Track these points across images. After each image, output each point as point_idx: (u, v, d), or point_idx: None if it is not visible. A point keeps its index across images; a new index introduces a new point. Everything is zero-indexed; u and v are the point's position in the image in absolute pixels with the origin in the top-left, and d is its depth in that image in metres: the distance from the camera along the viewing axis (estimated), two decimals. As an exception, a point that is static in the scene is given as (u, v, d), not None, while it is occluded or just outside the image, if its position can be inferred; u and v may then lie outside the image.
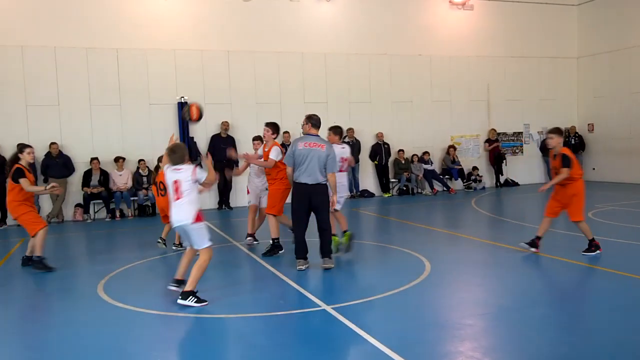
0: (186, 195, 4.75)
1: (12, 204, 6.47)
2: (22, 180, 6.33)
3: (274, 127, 6.95)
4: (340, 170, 6.57)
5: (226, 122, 12.23)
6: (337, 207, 6.48)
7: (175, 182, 4.79)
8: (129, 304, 4.98)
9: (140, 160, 11.58)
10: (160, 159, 7.29)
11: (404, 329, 4.13)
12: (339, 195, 6.54)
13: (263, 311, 4.69)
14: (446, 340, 3.94)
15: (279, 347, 3.89)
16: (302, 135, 6.17)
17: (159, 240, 7.45)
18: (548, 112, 15.77)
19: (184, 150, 4.94)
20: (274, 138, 6.97)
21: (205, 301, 4.78)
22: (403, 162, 14.01)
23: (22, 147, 6.58)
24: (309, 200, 5.88)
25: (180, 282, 5.06)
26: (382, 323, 4.28)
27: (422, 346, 3.79)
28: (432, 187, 13.98)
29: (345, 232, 6.78)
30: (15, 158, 6.52)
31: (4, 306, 5.26)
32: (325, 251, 6.03)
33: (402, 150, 14.04)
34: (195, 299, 4.75)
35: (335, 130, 6.76)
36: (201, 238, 4.82)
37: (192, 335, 4.25)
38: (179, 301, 4.74)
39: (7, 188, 6.56)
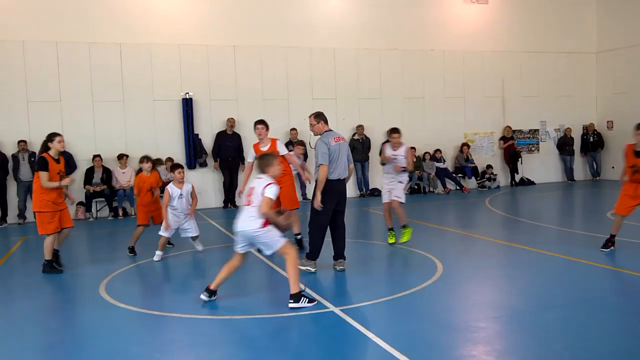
0: (255, 204, 4.67)
1: (35, 194, 6.33)
2: (41, 174, 6.19)
3: (266, 124, 6.97)
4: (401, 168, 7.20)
5: (232, 118, 12.25)
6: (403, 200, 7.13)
7: (251, 188, 4.76)
8: (132, 305, 5.00)
9: (143, 158, 11.63)
10: (143, 160, 7.24)
11: (414, 332, 4.10)
12: (401, 188, 7.16)
13: (270, 312, 4.67)
14: (458, 343, 3.90)
15: (286, 349, 3.88)
16: (313, 133, 6.11)
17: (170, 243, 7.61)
18: (565, 108, 15.62)
19: (268, 161, 4.84)
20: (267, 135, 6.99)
21: (315, 301, 4.74)
22: (415, 160, 13.94)
23: (51, 135, 6.41)
24: (340, 197, 5.90)
25: (213, 293, 4.90)
26: (391, 325, 4.25)
27: (434, 350, 3.76)
28: (444, 185, 13.91)
29: (405, 226, 7.25)
30: (45, 147, 6.36)
31: (4, 306, 5.30)
32: (342, 251, 6.02)
33: (414, 148, 13.97)
34: (307, 299, 4.67)
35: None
36: (273, 240, 4.69)
37: (196, 337, 4.25)
38: (291, 305, 4.60)
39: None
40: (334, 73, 13.35)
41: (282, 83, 12.90)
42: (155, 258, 6.90)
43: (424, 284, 5.34)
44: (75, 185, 11.37)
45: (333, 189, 5.83)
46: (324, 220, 5.84)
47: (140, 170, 7.46)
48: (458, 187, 14.10)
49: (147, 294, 5.71)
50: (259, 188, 4.70)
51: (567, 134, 15.49)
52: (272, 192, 4.64)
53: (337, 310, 4.61)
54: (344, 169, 5.94)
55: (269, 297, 5.28)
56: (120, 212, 11.44)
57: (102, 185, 11.31)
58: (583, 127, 15.79)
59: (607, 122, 15.73)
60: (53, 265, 6.46)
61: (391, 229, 7.36)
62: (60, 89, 11.38)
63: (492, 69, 14.76)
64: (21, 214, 11.03)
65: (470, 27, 14.57)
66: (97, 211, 11.59)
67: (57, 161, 6.37)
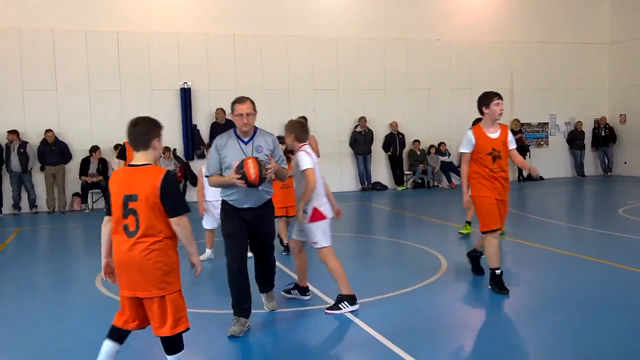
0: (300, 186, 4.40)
1: None
2: (119, 162, 6.19)
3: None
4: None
5: (220, 108, 11.74)
6: None
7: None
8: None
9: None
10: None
11: (417, 329, 4.08)
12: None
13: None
14: (463, 341, 3.88)
15: (287, 345, 3.86)
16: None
17: None
18: (576, 101, 15.51)
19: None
20: None
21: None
22: (419, 153, 13.89)
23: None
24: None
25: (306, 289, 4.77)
26: (394, 322, 4.23)
27: (437, 347, 3.73)
28: (449, 180, 13.85)
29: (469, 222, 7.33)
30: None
31: (0, 296, 5.31)
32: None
33: (418, 141, 13.92)
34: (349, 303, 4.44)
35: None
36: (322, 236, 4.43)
37: (197, 331, 4.24)
38: (328, 311, 4.41)
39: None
40: (336, 63, 13.27)
41: (282, 73, 12.83)
42: (204, 257, 6.17)
43: (428, 280, 5.31)
44: (71, 176, 11.38)
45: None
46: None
47: None
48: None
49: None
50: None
51: (577, 127, 15.39)
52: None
53: (337, 306, 4.58)
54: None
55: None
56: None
57: (98, 176, 11.30)
58: (594, 121, 15.66)
59: (620, 115, 15.62)
60: None
61: (468, 222, 7.40)
62: (56, 78, 11.35)
63: (500, 60, 14.65)
64: (16, 205, 11.06)
65: (478, 16, 14.44)
66: (93, 202, 11.59)
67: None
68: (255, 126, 4.13)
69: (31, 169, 11.06)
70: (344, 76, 13.33)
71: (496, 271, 4.79)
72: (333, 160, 13.32)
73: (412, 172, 13.96)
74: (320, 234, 4.43)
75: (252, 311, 4.16)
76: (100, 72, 11.58)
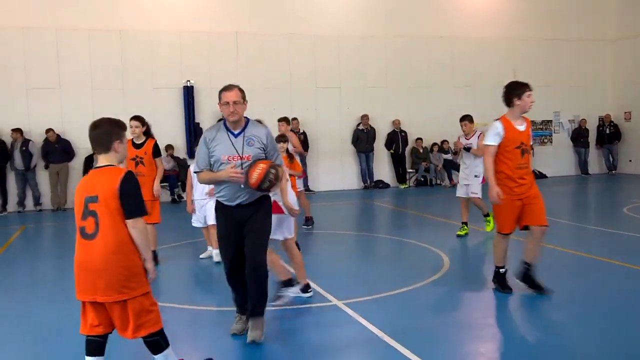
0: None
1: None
2: (157, 160, 6.06)
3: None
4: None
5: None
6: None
7: None
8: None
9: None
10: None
11: (420, 328, 4.09)
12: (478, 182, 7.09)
13: (271, 304, 4.65)
14: (466, 340, 3.89)
15: (288, 343, 3.88)
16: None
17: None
18: (580, 99, 15.45)
19: None
20: None
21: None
22: (421, 151, 13.88)
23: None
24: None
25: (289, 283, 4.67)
26: (396, 320, 4.24)
27: (440, 346, 3.74)
28: (451, 178, 13.84)
29: (487, 215, 7.37)
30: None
31: (6, 295, 5.34)
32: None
33: (421, 139, 13.90)
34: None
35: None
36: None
37: (196, 327, 4.27)
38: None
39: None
40: (338, 61, 13.26)
41: (284, 71, 12.84)
42: (206, 255, 6.37)
43: (430, 278, 5.32)
44: (75, 174, 11.43)
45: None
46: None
47: None
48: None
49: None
50: None
51: (581, 125, 15.34)
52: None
53: (339, 304, 4.60)
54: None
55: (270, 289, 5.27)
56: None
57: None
58: (599, 118, 15.61)
59: (625, 113, 15.55)
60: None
61: (464, 223, 7.35)
62: (59, 76, 11.40)
63: (503, 57, 14.60)
64: (20, 203, 11.13)
65: (480, 13, 14.40)
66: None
67: (134, 146, 6.03)
68: (247, 118, 3.84)
69: (35, 166, 11.12)
70: (345, 74, 13.32)
71: (501, 270, 4.79)
72: (335, 158, 13.33)
73: (414, 170, 13.95)
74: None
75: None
76: (103, 70, 11.63)
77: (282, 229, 4.61)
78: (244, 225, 3.77)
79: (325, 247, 7.28)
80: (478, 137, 7.13)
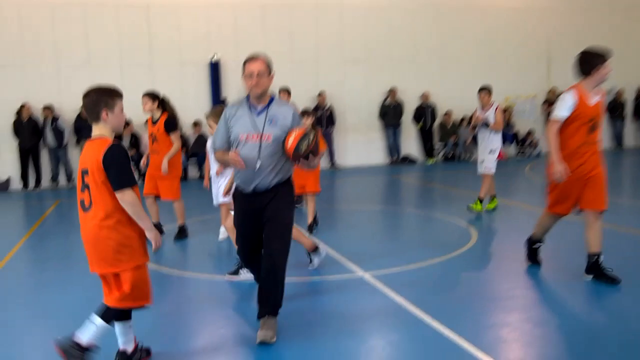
0: None
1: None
2: (173, 136, 5.98)
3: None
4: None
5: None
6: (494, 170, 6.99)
7: None
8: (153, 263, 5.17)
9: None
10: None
11: (446, 299, 4.10)
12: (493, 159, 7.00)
13: (295, 275, 4.72)
14: (493, 311, 3.88)
15: (314, 315, 3.94)
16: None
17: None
18: (619, 68, 14.69)
19: None
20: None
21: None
22: (450, 125, 13.64)
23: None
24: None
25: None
26: (423, 292, 4.25)
27: (466, 316, 3.75)
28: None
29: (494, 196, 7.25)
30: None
31: (41, 267, 5.58)
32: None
33: (449, 113, 13.64)
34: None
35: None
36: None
37: (217, 298, 4.37)
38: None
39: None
40: (364, 32, 13.03)
41: (311, 44, 12.71)
42: (222, 234, 6.16)
43: (457, 251, 5.30)
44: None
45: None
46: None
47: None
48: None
49: (168, 254, 5.87)
50: None
51: (618, 96, 14.75)
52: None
53: (366, 275, 4.64)
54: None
55: (295, 261, 5.34)
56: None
57: (131, 150, 11.56)
58: (637, 89, 14.97)
59: (664, 84, 14.87)
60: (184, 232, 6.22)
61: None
62: (89, 53, 11.58)
63: (538, 26, 14.09)
64: (54, 179, 11.50)
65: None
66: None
67: (153, 122, 6.06)
68: (272, 95, 3.53)
69: (67, 143, 11.42)
70: (372, 45, 13.10)
71: (535, 245, 4.72)
72: (361, 133, 13.22)
73: (443, 145, 13.74)
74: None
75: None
76: (131, 46, 11.74)
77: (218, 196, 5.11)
78: (262, 215, 3.46)
79: (351, 222, 7.30)
80: (495, 110, 6.93)
